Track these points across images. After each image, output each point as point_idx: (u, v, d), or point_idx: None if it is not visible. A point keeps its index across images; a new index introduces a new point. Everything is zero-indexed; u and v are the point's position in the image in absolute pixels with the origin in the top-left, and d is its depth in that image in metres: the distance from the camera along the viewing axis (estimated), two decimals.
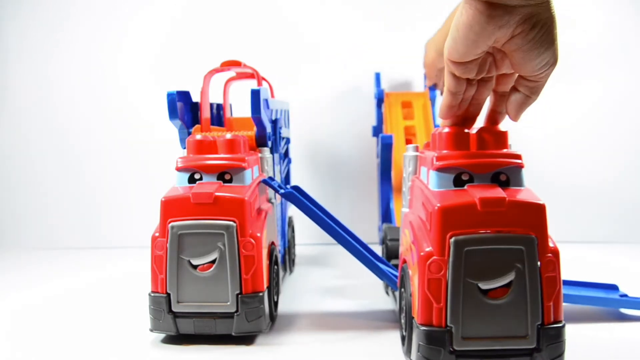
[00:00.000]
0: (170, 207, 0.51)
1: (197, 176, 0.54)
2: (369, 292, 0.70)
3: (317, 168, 1.08)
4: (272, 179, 0.60)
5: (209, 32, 1.05)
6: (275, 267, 0.59)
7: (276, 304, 0.59)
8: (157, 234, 0.51)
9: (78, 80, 1.07)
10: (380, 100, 0.96)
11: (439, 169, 0.45)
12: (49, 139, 1.08)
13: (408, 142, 0.91)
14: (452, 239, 0.40)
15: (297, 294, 0.70)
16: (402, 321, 0.49)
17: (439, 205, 0.41)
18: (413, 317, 0.43)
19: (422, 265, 0.41)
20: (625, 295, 0.59)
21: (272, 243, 0.59)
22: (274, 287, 0.58)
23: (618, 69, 1.02)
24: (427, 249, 0.42)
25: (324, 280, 0.77)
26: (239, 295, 0.50)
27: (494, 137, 0.45)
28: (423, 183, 0.47)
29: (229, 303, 0.50)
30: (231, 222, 0.50)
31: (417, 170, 0.52)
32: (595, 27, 1.02)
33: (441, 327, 0.41)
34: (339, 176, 1.07)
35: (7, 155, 1.10)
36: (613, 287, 0.61)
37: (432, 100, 0.96)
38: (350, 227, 0.64)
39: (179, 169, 0.54)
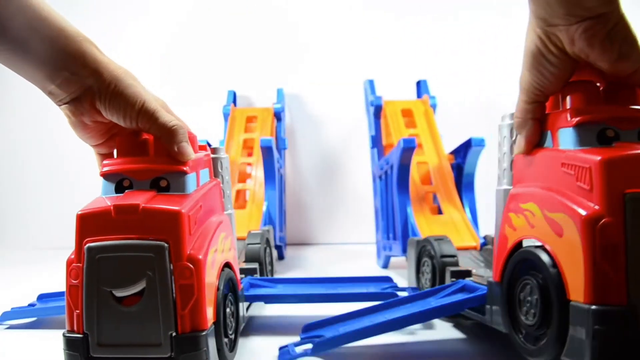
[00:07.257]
0: (88, 224, 0.40)
1: (126, 184, 0.43)
2: None
3: (320, 176, 1.05)
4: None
5: (211, 41, 1.05)
6: (232, 295, 0.48)
7: (234, 341, 0.48)
8: (72, 257, 0.40)
9: None
10: (378, 108, 0.85)
11: (579, 125, 0.39)
12: (44, 139, 1.07)
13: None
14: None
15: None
16: None
17: (599, 158, 0.36)
18: None
19: None
20: None
21: (227, 264, 0.47)
22: (229, 321, 0.46)
23: None
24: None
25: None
26: (174, 336, 0.39)
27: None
28: (549, 149, 0.42)
29: (161, 345, 0.39)
30: (162, 243, 0.39)
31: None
32: None
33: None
34: (338, 184, 1.04)
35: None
36: None
37: (434, 107, 0.88)
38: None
39: (103, 175, 0.43)
